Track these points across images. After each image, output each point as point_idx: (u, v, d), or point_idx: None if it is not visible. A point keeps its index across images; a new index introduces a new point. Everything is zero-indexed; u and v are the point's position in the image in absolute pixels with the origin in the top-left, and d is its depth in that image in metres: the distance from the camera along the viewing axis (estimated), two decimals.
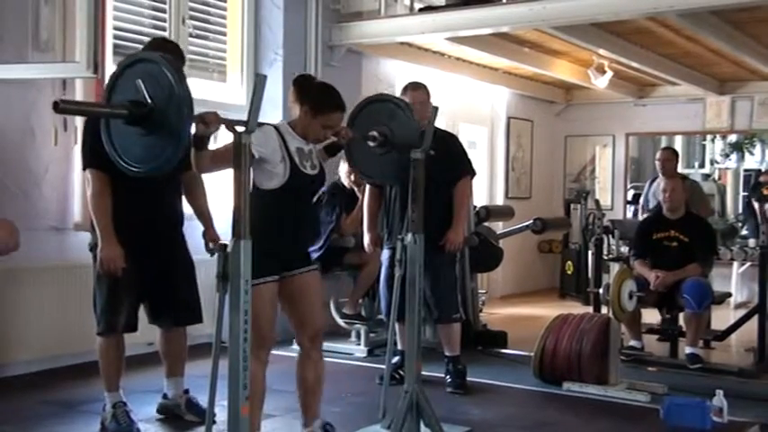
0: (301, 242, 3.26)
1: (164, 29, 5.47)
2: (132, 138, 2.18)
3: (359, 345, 5.49)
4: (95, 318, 3.54)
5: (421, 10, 6.38)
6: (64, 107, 2.09)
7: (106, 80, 4.96)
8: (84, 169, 3.47)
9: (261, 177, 3.00)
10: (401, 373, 4.45)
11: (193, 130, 2.33)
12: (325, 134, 3.21)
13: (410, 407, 3.29)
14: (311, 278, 3.24)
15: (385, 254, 4.52)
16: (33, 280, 4.54)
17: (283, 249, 3.08)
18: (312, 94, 3.18)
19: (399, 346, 4.60)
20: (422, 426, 3.35)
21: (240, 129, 2.27)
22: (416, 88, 4.51)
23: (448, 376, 4.48)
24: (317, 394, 3.32)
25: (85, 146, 3.44)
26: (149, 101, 2.12)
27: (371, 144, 3.48)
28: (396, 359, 4.57)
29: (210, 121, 2.33)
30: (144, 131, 2.14)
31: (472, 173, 4.60)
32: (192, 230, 3.77)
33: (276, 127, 3.13)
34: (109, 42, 4.87)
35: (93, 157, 3.29)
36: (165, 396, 3.86)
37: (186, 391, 3.82)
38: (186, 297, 3.66)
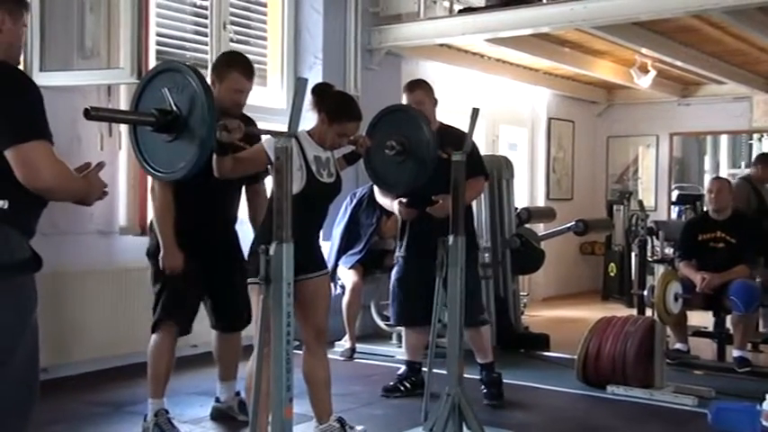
0: (315, 248, 3.30)
1: (205, 34, 5.53)
2: (158, 144, 2.25)
3: (399, 347, 5.48)
4: (154, 318, 3.56)
5: (460, 11, 6.36)
6: (95, 114, 2.17)
7: None
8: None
9: None
10: (407, 384, 4.44)
11: (217, 136, 2.37)
12: (340, 142, 3.23)
13: (452, 410, 3.28)
14: (322, 282, 3.29)
15: (398, 260, 4.42)
16: (81, 283, 4.62)
17: (297, 254, 3.09)
18: (329, 103, 3.21)
19: (407, 357, 4.55)
20: (464, 429, 3.33)
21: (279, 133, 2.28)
22: (412, 89, 4.30)
23: (483, 387, 4.32)
24: (327, 391, 3.36)
25: None
26: (175, 108, 2.17)
27: (389, 153, 3.48)
28: (402, 369, 4.54)
29: (233, 129, 2.37)
30: (170, 138, 2.21)
31: (485, 174, 4.44)
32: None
33: (296, 136, 3.14)
34: (152, 48, 4.95)
35: None
36: (217, 399, 3.91)
37: (237, 393, 3.87)
38: (243, 301, 3.70)
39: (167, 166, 2.28)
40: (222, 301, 3.68)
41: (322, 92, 3.25)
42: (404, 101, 4.31)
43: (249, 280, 3.11)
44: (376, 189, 4.42)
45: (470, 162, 4.09)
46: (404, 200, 4.15)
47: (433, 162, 3.57)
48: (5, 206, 2.07)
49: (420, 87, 4.33)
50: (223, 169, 2.86)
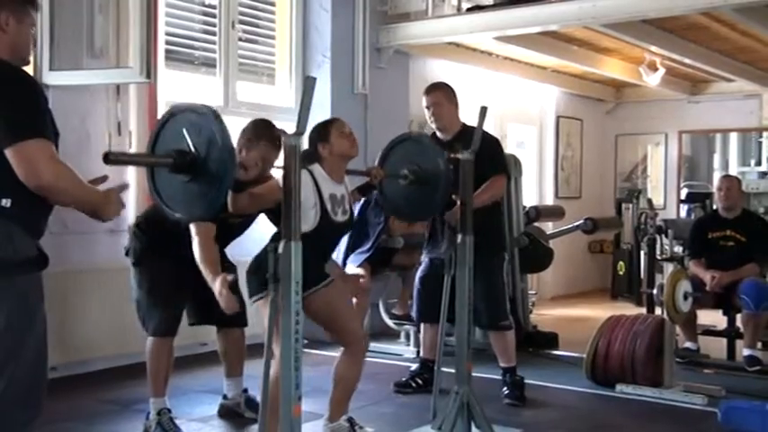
0: (322, 272, 3.28)
1: (214, 33, 5.55)
2: (176, 185, 2.24)
3: (408, 345, 5.49)
4: (145, 321, 3.59)
5: (469, 9, 6.35)
6: (114, 159, 2.17)
7: (158, 85, 5.10)
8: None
9: None
10: (418, 381, 4.44)
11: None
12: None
13: (461, 408, 3.28)
14: (331, 289, 3.28)
15: (424, 260, 4.46)
16: (90, 282, 4.64)
17: (306, 275, 3.09)
18: (323, 132, 3.24)
19: (422, 354, 4.58)
20: (473, 427, 3.33)
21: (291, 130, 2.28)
22: (430, 91, 4.34)
23: (505, 387, 4.32)
24: (350, 393, 3.39)
25: None
26: (193, 149, 2.17)
27: (402, 182, 3.47)
28: (415, 366, 4.56)
29: (250, 167, 2.36)
30: (187, 179, 2.20)
31: (506, 173, 4.42)
32: None
33: (311, 171, 3.16)
34: (161, 48, 4.97)
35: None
36: (224, 397, 3.93)
37: (245, 390, 3.89)
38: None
39: (186, 207, 2.28)
40: (205, 300, 3.64)
41: (314, 129, 3.27)
42: (423, 103, 4.31)
43: (253, 298, 3.13)
44: None
45: (492, 159, 4.10)
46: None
47: (448, 189, 3.52)
48: (8, 204, 2.07)
49: (438, 89, 4.35)
50: (239, 205, 2.86)
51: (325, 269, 3.33)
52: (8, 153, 2.04)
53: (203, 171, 2.16)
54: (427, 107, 4.30)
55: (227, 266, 3.56)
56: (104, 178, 2.34)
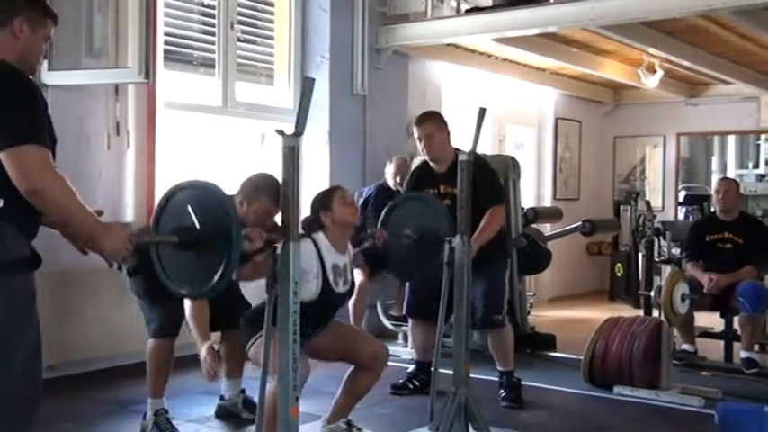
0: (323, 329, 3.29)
1: (213, 34, 5.55)
2: (182, 261, 2.24)
3: (406, 347, 5.49)
4: (148, 322, 3.60)
5: (468, 11, 6.36)
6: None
7: (157, 85, 5.09)
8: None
9: None
10: (416, 382, 4.44)
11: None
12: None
13: (458, 410, 3.28)
14: (334, 324, 3.31)
15: None
16: (88, 282, 4.63)
17: (308, 330, 3.11)
18: (325, 200, 3.25)
19: (416, 357, 4.57)
20: (470, 429, 3.33)
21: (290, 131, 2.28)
22: (420, 122, 4.23)
23: (502, 389, 4.31)
24: (356, 401, 3.41)
25: None
26: (198, 226, 2.17)
27: (406, 242, 3.46)
28: (411, 368, 4.56)
29: (254, 239, 2.37)
30: (193, 255, 2.20)
31: (503, 202, 4.36)
32: None
33: (315, 241, 3.16)
34: (160, 48, 4.96)
35: None
36: (221, 397, 3.93)
37: (242, 391, 3.89)
38: (237, 299, 3.71)
39: (192, 284, 2.28)
40: (214, 302, 3.66)
41: (315, 199, 3.27)
42: (414, 134, 4.29)
43: (248, 343, 3.13)
44: None
45: (487, 190, 4.02)
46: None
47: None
48: (1, 204, 2.06)
49: (428, 120, 4.24)
50: (242, 275, 2.87)
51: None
52: (2, 156, 2.04)
53: (209, 248, 2.16)
54: (419, 138, 4.23)
55: (239, 303, 3.60)
56: (100, 213, 2.29)
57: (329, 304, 3.21)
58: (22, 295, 2.13)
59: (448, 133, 4.24)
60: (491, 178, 4.27)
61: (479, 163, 4.09)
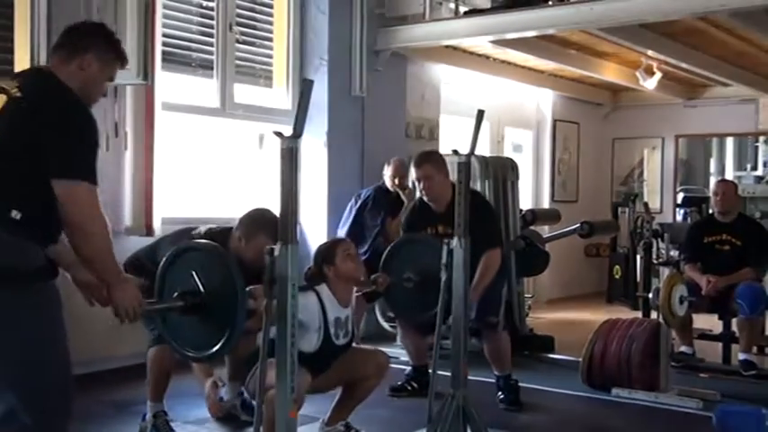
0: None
1: (211, 35, 5.55)
2: (186, 325, 2.26)
3: (403, 349, 5.47)
4: (150, 330, 3.60)
5: (466, 13, 6.36)
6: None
7: (155, 87, 5.07)
8: None
9: None
10: (414, 384, 4.43)
11: None
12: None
13: (456, 412, 3.27)
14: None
15: None
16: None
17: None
18: (328, 253, 3.25)
19: (412, 362, 4.55)
20: (468, 431, 3.32)
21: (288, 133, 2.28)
22: (420, 163, 4.18)
23: (500, 392, 4.30)
24: (356, 405, 3.42)
25: None
26: (202, 290, 2.19)
27: (407, 285, 3.45)
28: (408, 369, 4.55)
29: (258, 296, 2.39)
30: (198, 319, 2.22)
31: (500, 245, 4.29)
32: None
33: (319, 294, 3.17)
34: (158, 49, 4.95)
35: None
36: (220, 399, 3.93)
37: (241, 393, 3.88)
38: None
39: (197, 346, 2.29)
40: None
41: (327, 248, 3.29)
42: (412, 175, 4.25)
43: (249, 375, 3.16)
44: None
45: (484, 232, 3.91)
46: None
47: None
48: (18, 216, 2.09)
49: (427, 161, 4.20)
50: (250, 329, 2.88)
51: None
52: (56, 183, 2.09)
53: (214, 312, 2.17)
54: (418, 179, 4.21)
55: None
56: None
57: (328, 356, 3.22)
58: (47, 302, 2.17)
59: (446, 173, 4.18)
60: (490, 219, 4.23)
61: (479, 202, 4.09)
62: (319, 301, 3.13)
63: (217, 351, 2.21)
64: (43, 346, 2.14)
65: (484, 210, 4.16)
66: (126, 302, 2.24)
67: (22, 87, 2.18)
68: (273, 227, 3.46)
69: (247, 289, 2.31)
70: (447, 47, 6.79)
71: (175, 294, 2.24)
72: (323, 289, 3.18)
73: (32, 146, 2.10)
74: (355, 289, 3.40)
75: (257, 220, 3.46)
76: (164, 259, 2.37)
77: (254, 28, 5.94)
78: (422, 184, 4.18)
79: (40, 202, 2.11)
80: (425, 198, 4.23)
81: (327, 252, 3.26)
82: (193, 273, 2.20)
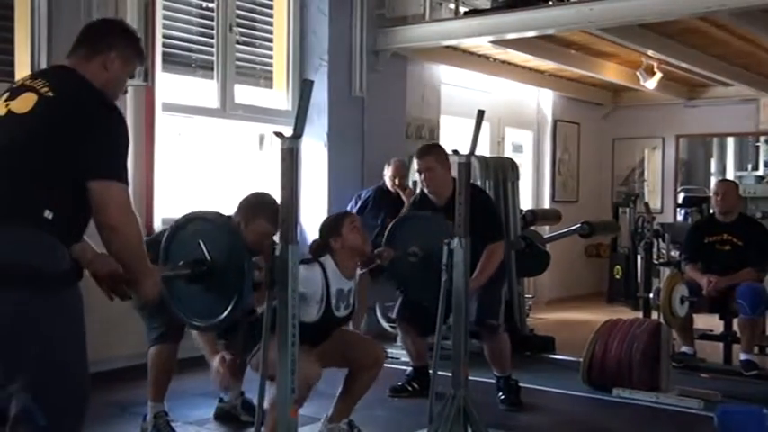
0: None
1: (211, 36, 5.55)
2: (193, 294, 2.26)
3: (404, 349, 5.47)
4: (150, 330, 3.60)
5: (466, 13, 6.36)
6: None
7: (156, 88, 5.08)
8: None
9: None
10: (414, 385, 4.43)
11: None
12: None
13: (457, 412, 3.27)
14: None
15: None
16: (88, 284, 4.61)
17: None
18: (335, 225, 3.26)
19: (413, 363, 4.54)
20: (469, 431, 3.32)
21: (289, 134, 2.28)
22: (422, 155, 4.18)
23: (500, 393, 4.30)
24: (357, 401, 3.43)
25: None
26: (209, 259, 2.20)
27: (412, 260, 3.44)
28: (409, 370, 4.56)
29: (263, 268, 2.39)
30: (204, 288, 2.23)
31: (503, 238, 4.32)
32: None
33: (323, 266, 3.17)
34: (158, 50, 4.96)
35: None
36: (221, 400, 3.93)
37: (242, 393, 3.90)
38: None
39: (204, 315, 2.30)
40: None
41: (334, 221, 3.29)
42: (414, 166, 4.25)
43: (252, 353, 3.14)
44: None
45: (486, 225, 3.95)
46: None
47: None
48: (51, 216, 2.09)
49: (429, 154, 4.20)
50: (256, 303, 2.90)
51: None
52: (91, 184, 2.10)
53: (220, 280, 2.18)
54: (419, 171, 4.20)
55: None
56: None
57: (328, 327, 3.23)
58: (70, 304, 2.19)
59: (448, 167, 4.17)
60: (491, 212, 4.24)
61: (480, 197, 4.10)
62: (323, 272, 3.13)
63: (223, 319, 2.22)
64: (64, 348, 2.16)
65: (485, 204, 4.17)
66: (153, 292, 2.25)
67: (53, 86, 2.17)
68: (273, 210, 3.48)
69: (253, 260, 2.31)
70: (447, 47, 6.79)
71: (181, 263, 2.25)
72: (327, 261, 3.19)
73: (66, 145, 2.09)
74: (359, 267, 3.39)
75: (256, 204, 3.47)
76: (168, 229, 2.36)
77: (255, 29, 5.94)
78: (423, 176, 4.18)
79: (70, 202, 2.11)
80: (426, 190, 4.22)
81: (334, 224, 3.27)
82: (200, 242, 2.20)
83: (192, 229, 2.29)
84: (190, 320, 2.33)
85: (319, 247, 3.25)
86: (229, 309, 2.17)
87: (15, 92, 2.20)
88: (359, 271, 3.36)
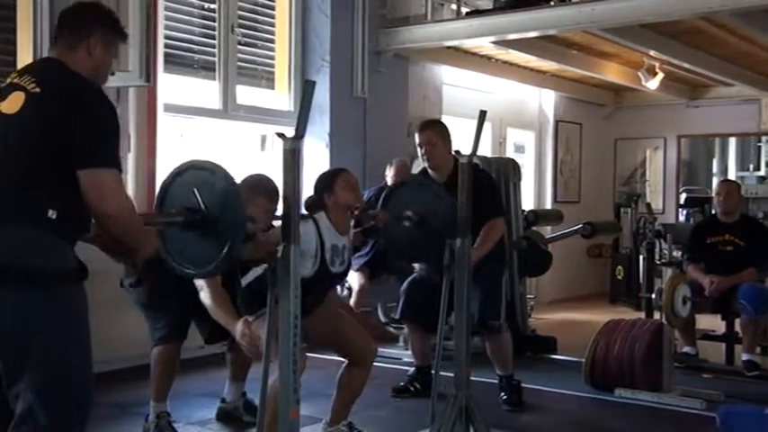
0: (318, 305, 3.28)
1: (213, 37, 5.55)
2: (186, 242, 2.25)
3: (407, 350, 5.47)
4: (153, 330, 3.60)
5: (468, 14, 6.36)
6: None
7: (158, 88, 5.07)
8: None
9: None
10: (416, 385, 4.43)
11: None
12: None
13: (459, 412, 3.27)
14: (330, 310, 3.31)
15: (419, 274, 4.41)
16: (88, 284, 4.62)
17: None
18: (328, 181, 3.27)
19: (416, 362, 4.55)
20: (471, 431, 3.32)
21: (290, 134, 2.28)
22: (423, 128, 4.20)
23: (503, 393, 4.29)
24: (353, 401, 3.42)
25: None
26: (203, 207, 2.19)
27: (407, 224, 3.45)
28: (412, 371, 4.55)
29: (257, 219, 2.38)
30: (198, 236, 2.22)
31: (503, 214, 4.34)
32: None
33: (317, 222, 3.17)
34: (160, 51, 4.97)
35: None
36: (223, 400, 3.93)
37: (244, 394, 3.90)
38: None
39: (196, 263, 2.29)
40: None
41: (328, 177, 3.28)
42: (415, 140, 4.26)
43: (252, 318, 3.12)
44: None
45: (487, 202, 3.97)
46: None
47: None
48: (54, 216, 2.09)
49: (431, 127, 4.21)
50: (245, 255, 2.89)
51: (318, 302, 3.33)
52: (81, 175, 2.08)
53: (213, 228, 2.17)
54: (420, 145, 4.19)
55: None
56: None
57: (323, 284, 3.22)
58: (75, 304, 2.20)
59: (450, 142, 4.20)
60: (492, 190, 4.25)
61: (481, 174, 4.11)
62: (317, 228, 3.14)
63: (215, 267, 2.22)
64: (69, 348, 2.16)
65: (487, 182, 4.18)
66: (152, 252, 2.30)
67: (40, 82, 2.16)
68: (270, 187, 3.49)
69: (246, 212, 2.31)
70: (449, 48, 6.79)
71: (174, 210, 2.24)
72: (321, 217, 3.20)
73: (59, 141, 2.09)
74: (353, 226, 3.39)
75: (255, 183, 3.46)
76: (165, 178, 2.36)
77: (256, 29, 5.95)
78: (423, 149, 4.15)
79: (72, 199, 2.10)
80: (426, 165, 4.21)
81: (328, 180, 3.27)
82: (194, 190, 2.20)
83: (187, 178, 2.27)
84: (182, 268, 2.31)
85: (314, 203, 3.25)
86: (222, 256, 2.16)
87: (5, 91, 2.20)
88: (353, 230, 3.36)
